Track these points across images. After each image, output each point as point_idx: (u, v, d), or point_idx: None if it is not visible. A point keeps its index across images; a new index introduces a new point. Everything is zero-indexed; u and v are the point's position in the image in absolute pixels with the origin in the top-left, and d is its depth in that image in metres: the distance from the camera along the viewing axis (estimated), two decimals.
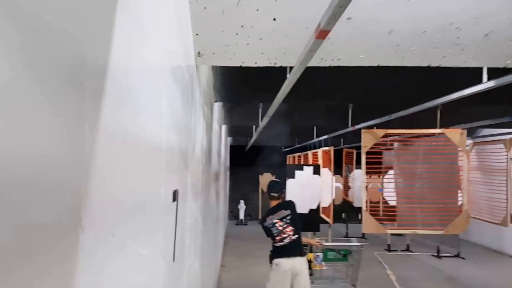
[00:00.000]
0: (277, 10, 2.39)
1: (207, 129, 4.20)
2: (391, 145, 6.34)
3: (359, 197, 12.65)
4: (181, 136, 2.34)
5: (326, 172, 9.54)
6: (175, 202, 2.10)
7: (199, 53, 2.75)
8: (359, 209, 12.45)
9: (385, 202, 8.21)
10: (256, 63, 2.81)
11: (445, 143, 5.99)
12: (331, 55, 2.72)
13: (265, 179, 16.18)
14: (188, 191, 2.70)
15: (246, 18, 2.45)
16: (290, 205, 5.12)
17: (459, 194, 6.10)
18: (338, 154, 11.95)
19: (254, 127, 8.99)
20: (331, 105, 7.05)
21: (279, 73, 4.81)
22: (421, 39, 2.60)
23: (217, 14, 2.42)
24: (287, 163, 13.94)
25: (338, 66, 4.16)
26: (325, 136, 8.61)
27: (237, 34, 2.57)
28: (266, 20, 2.45)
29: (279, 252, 4.90)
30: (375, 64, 2.79)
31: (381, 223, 6.10)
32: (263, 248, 10.88)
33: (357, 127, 5.99)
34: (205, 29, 2.56)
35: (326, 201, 9.57)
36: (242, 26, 2.50)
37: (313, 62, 2.80)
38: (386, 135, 5.76)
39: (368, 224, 5.74)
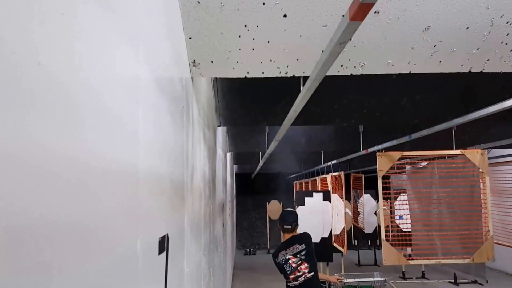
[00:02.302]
0: (289, 3, 1.85)
1: (210, 155, 3.63)
2: (402, 168, 5.72)
3: (369, 223, 11.95)
4: (173, 162, 1.77)
5: (336, 198, 8.90)
6: (164, 253, 1.51)
7: (194, 61, 2.21)
8: (369, 236, 11.78)
9: (400, 230, 7.53)
10: (263, 73, 2.26)
11: (464, 165, 5.38)
12: (354, 60, 2.17)
13: (272, 206, 15.50)
14: (186, 233, 2.10)
15: (250, 16, 1.91)
16: (305, 238, 4.42)
17: (483, 219, 5.45)
18: (346, 179, 11.34)
19: (260, 153, 8.43)
20: (341, 127, 6.50)
21: (287, 91, 4.28)
22: (462, 38, 2.04)
23: (214, 11, 1.89)
24: (294, 190, 13.31)
25: (357, 80, 3.62)
26: (334, 161, 8.01)
27: (239, 36, 2.03)
28: (274, 17, 1.91)
29: None
30: (406, 71, 2.23)
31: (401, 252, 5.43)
32: (274, 280, 10.16)
33: (370, 150, 5.40)
34: (200, 30, 2.02)
35: (338, 229, 8.88)
36: (245, 26, 1.96)
37: (333, 70, 2.25)
38: (402, 158, 5.17)
39: (389, 255, 5.07)
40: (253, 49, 2.13)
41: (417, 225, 6.87)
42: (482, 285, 9.15)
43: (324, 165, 8.68)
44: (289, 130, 7.38)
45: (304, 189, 12.05)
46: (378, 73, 2.24)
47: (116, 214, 1.01)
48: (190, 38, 2.09)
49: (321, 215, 8.08)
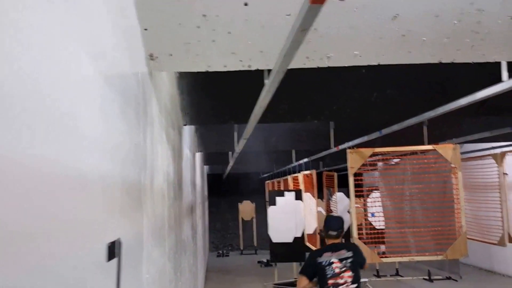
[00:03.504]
0: None
1: (175, 156, 3.52)
2: (374, 165, 5.75)
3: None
4: (126, 163, 1.67)
5: (309, 197, 8.89)
6: (115, 259, 1.41)
7: (151, 55, 2.10)
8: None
9: (373, 227, 7.59)
10: (225, 66, 2.17)
11: (437, 160, 5.45)
12: (320, 52, 2.11)
13: (245, 207, 15.44)
14: (146, 237, 2.00)
15: (209, 4, 1.82)
16: (354, 247, 4.25)
17: (456, 215, 5.52)
18: (318, 177, 11.36)
19: (230, 153, 8.34)
20: (313, 124, 6.48)
21: (256, 87, 4.19)
22: (432, 27, 2.01)
23: (171, 0, 1.79)
24: (267, 189, 13.26)
25: (328, 75, 3.57)
26: (305, 159, 8.00)
27: (198, 27, 1.94)
28: (235, 5, 1.83)
29: None
30: (375, 63, 2.19)
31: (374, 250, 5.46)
32: (247, 281, 10.10)
33: (341, 147, 5.39)
34: (156, 21, 1.92)
35: (311, 228, 8.88)
36: (204, 15, 1.88)
37: (298, 63, 2.19)
38: (373, 154, 5.18)
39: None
40: (213, 41, 2.04)
41: (390, 222, 6.93)
42: (456, 281, 9.33)
43: (296, 163, 8.66)
44: (259, 128, 7.32)
45: (276, 189, 12.03)
46: (346, 65, 2.20)
47: (52, 219, 0.91)
48: (145, 29, 1.99)
49: (293, 214, 8.07)
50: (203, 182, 13.22)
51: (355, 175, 5.57)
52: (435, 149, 5.26)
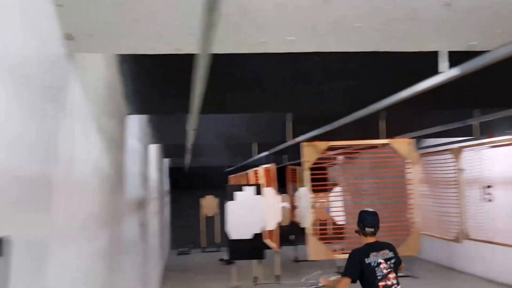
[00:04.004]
0: None
1: (113, 148, 3.36)
2: (333, 159, 5.73)
3: (305, 217, 12.05)
4: (26, 156, 1.52)
5: (270, 192, 8.83)
6: (2, 258, 1.27)
7: (68, 35, 1.94)
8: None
9: (334, 223, 7.61)
10: (153, 49, 2.04)
11: (393, 155, 5.47)
12: (253, 37, 2.01)
13: (208, 202, 15.27)
14: (56, 235, 1.85)
15: None
16: (393, 247, 3.99)
17: (410, 211, 5.57)
18: (282, 172, 11.33)
19: (190, 145, 8.18)
20: (273, 116, 6.39)
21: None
22: (365, 12, 1.93)
23: None
24: (229, 184, 13.16)
25: (283, 64, 3.48)
26: (266, 153, 7.93)
27: (120, 4, 1.80)
28: None
29: None
30: (311, 50, 2.10)
31: (330, 246, 5.45)
32: (206, 280, 9.98)
33: (297, 139, 5.33)
34: None
35: (272, 224, 8.82)
36: None
37: (230, 47, 2.08)
38: (330, 148, 5.15)
39: (315, 249, 5.02)
40: (137, 21, 1.90)
41: (350, 218, 6.96)
42: (418, 278, 9.49)
43: (256, 157, 8.58)
44: (217, 120, 7.18)
45: (240, 183, 11.94)
46: (283, 51, 2.10)
47: None
48: (60, 5, 1.83)
49: (253, 210, 7.99)
50: (162, 176, 12.97)
51: (321, 169, 5.54)
52: (389, 144, 5.27)
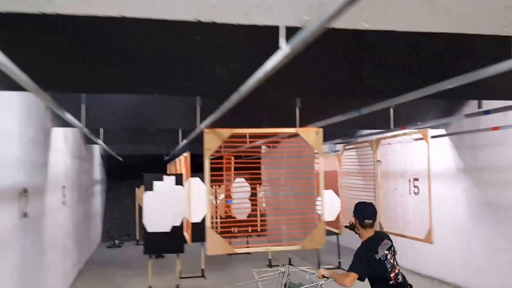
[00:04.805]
0: None
1: None
2: (233, 147, 5.59)
3: (241, 210, 11.94)
4: None
5: (196, 182, 8.59)
6: None
7: None
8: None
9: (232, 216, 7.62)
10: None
11: (303, 145, 5.38)
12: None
13: (142, 192, 14.88)
14: None
15: None
16: (388, 235, 4.16)
17: (317, 203, 5.51)
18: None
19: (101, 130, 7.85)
20: (182, 100, 6.16)
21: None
22: None
23: None
24: (168, 172, 12.85)
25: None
26: (185, 141, 7.71)
27: None
28: None
29: None
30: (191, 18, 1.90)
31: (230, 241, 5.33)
32: (125, 275, 9.67)
33: (202, 126, 5.13)
34: None
35: (198, 216, 8.59)
36: None
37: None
38: (233, 136, 4.98)
39: (213, 243, 4.86)
40: None
41: (269, 209, 6.88)
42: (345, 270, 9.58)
43: (181, 145, 8.35)
44: (132, 104, 6.86)
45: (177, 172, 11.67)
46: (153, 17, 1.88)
47: None
48: None
49: (172, 201, 7.76)
50: (91, 164, 12.54)
51: (221, 158, 5.38)
52: (298, 133, 5.18)
